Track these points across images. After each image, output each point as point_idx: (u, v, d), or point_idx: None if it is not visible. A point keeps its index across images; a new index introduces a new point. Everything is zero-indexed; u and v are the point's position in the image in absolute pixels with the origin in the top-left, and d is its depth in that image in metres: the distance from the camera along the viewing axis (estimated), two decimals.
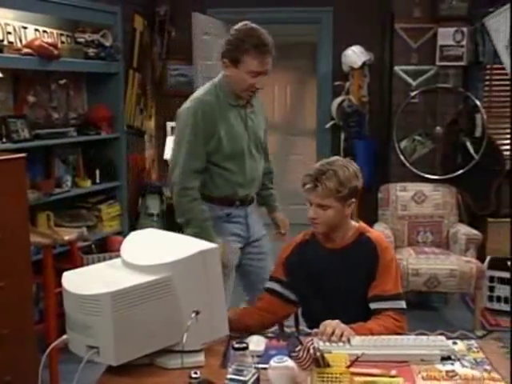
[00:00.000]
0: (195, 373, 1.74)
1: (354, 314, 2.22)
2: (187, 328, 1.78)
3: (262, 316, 2.40)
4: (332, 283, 2.30)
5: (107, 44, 4.49)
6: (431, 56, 4.72)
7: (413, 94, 4.75)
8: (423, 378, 1.84)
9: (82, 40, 4.39)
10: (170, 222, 4.65)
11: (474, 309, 4.29)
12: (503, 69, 4.75)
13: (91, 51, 4.38)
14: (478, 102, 4.73)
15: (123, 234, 4.55)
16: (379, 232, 2.59)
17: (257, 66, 2.59)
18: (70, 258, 3.81)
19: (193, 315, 1.79)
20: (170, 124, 5.51)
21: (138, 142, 5.20)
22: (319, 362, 1.74)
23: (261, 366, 1.84)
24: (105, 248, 4.48)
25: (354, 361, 1.83)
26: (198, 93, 2.78)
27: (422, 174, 4.78)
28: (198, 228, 2.66)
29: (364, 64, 4.89)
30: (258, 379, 1.77)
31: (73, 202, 4.41)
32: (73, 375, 1.79)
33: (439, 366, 1.91)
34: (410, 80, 4.79)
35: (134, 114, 5.08)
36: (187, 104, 2.73)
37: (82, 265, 3.73)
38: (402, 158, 4.80)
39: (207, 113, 2.67)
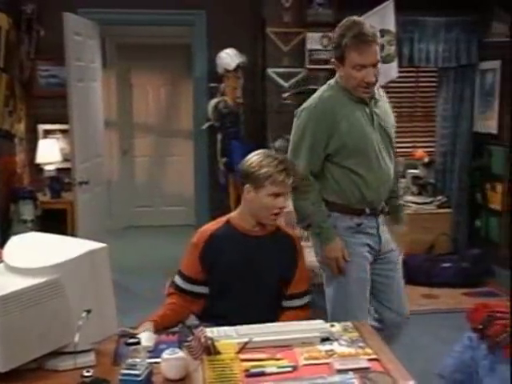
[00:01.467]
0: (87, 371, 1.75)
1: (268, 305, 2.41)
2: (79, 328, 1.77)
3: (177, 313, 2.41)
4: (249, 271, 2.39)
5: None
6: (301, 59, 4.96)
7: (285, 95, 4.97)
8: (305, 359, 1.97)
9: None
10: (45, 227, 4.50)
11: None
12: None
13: None
14: None
15: None
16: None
17: (359, 59, 2.43)
18: None
19: (84, 314, 1.79)
20: (41, 127, 5.33)
21: (7, 146, 4.97)
22: (210, 350, 1.81)
23: (153, 360, 1.89)
24: None
25: (243, 347, 1.93)
26: (317, 93, 2.63)
27: None
28: (318, 228, 2.61)
29: (238, 66, 5.02)
30: (150, 373, 1.81)
31: None
32: None
33: (319, 347, 2.06)
34: (282, 82, 5.00)
35: (2, 116, 4.85)
36: (306, 103, 2.60)
37: None
38: None
39: (327, 109, 2.53)
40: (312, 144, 2.55)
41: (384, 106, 2.64)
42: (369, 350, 2.04)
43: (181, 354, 1.86)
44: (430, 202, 5.40)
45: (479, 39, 5.33)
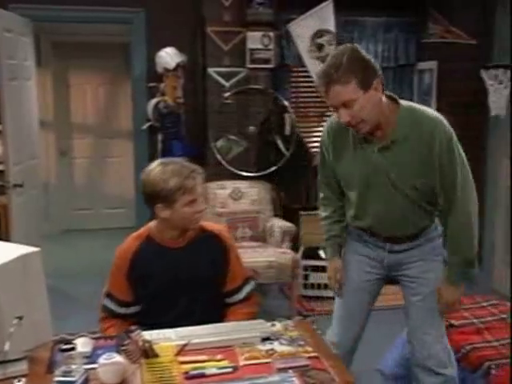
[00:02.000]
0: (18, 381, 1.67)
1: (210, 308, 2.34)
2: (9, 335, 1.69)
3: None
4: (180, 284, 2.30)
5: None
6: (242, 58, 4.94)
7: (226, 94, 4.93)
8: (246, 359, 1.95)
9: None
10: None
11: (291, 296, 4.56)
12: (306, 71, 5.11)
13: None
14: (285, 103, 5.04)
15: None
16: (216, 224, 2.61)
17: (326, 99, 2.18)
18: None
19: (15, 321, 1.71)
20: None
21: None
22: (148, 354, 1.76)
23: (90, 366, 1.82)
24: None
25: (181, 349, 1.89)
26: None
27: (239, 172, 4.97)
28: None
29: (178, 65, 4.95)
30: (86, 379, 1.74)
31: None
32: None
33: (260, 347, 2.04)
34: (223, 81, 4.97)
35: None
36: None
37: None
38: (218, 157, 4.95)
39: (336, 130, 2.38)
40: (321, 159, 2.51)
41: (404, 156, 2.23)
42: (309, 348, 2.05)
43: (118, 358, 1.80)
44: None
45: (417, 40, 5.44)
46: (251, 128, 4.98)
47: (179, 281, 2.30)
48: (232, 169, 4.96)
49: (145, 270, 2.31)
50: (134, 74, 5.30)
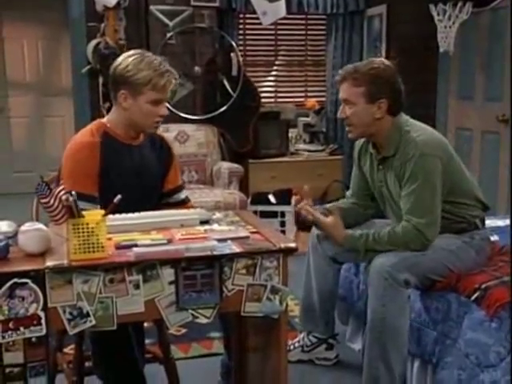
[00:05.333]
0: None
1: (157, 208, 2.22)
2: None
3: None
4: (138, 182, 2.20)
5: None
6: None
7: (169, 34, 4.71)
8: (182, 235, 1.79)
9: None
10: None
11: None
12: (257, 18, 4.91)
13: None
14: (232, 42, 4.84)
15: None
16: None
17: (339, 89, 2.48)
18: None
19: None
20: None
21: None
22: (73, 212, 1.54)
23: None
24: None
25: (111, 209, 1.67)
26: None
27: (184, 115, 4.76)
28: None
29: (119, 3, 4.68)
30: (7, 247, 1.55)
31: None
32: None
33: (198, 228, 1.88)
34: (166, 20, 4.74)
35: None
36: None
37: None
38: None
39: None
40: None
41: (391, 177, 2.40)
42: (249, 227, 1.91)
43: (41, 225, 1.60)
44: (322, 150, 5.35)
45: None
46: (196, 69, 4.77)
47: (136, 179, 2.20)
48: (177, 112, 4.74)
49: (113, 166, 2.15)
50: (72, 14, 5.00)
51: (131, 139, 2.23)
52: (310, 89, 5.66)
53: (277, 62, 5.53)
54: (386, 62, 2.44)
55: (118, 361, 2.01)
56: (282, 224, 4.68)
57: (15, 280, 1.52)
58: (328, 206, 2.64)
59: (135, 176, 2.20)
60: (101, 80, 4.81)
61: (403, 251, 2.26)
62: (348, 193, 2.71)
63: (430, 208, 2.27)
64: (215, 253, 1.64)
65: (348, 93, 2.35)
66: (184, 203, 2.36)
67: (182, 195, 2.37)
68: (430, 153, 2.27)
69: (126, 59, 2.15)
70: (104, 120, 2.25)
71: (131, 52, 2.19)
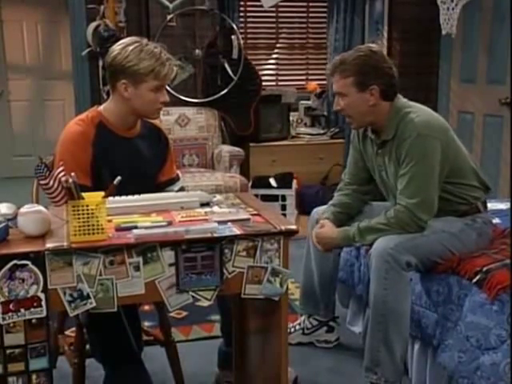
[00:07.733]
0: None
1: None
2: None
3: None
4: (133, 175, 2.13)
5: None
6: None
7: (169, 17, 4.67)
8: (182, 217, 1.77)
9: None
10: None
11: None
12: (258, 0, 4.86)
13: None
14: (233, 25, 4.80)
15: None
16: None
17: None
18: None
19: None
20: None
21: None
22: (73, 194, 1.54)
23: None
24: None
25: (110, 191, 1.66)
26: None
27: (185, 99, 4.73)
28: None
29: None
30: (6, 229, 1.54)
31: None
32: None
33: (198, 210, 1.87)
34: (166, 2, 4.69)
35: None
36: None
37: None
38: None
39: None
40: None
41: (390, 161, 2.39)
42: (250, 209, 1.90)
43: (41, 208, 1.59)
44: (324, 133, 5.32)
45: None
46: (197, 51, 4.73)
47: (133, 171, 2.14)
48: (178, 95, 4.71)
49: (106, 159, 2.12)
50: None
51: (127, 130, 2.19)
52: (311, 72, 5.62)
53: (278, 45, 5.48)
54: (374, 47, 2.45)
55: (114, 349, 1.99)
56: (283, 207, 4.68)
57: (15, 262, 1.52)
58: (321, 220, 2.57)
59: (128, 169, 2.13)
60: (101, 63, 4.78)
61: (400, 233, 2.25)
62: (345, 179, 2.67)
63: (422, 188, 2.25)
64: (215, 235, 1.64)
65: (338, 85, 2.37)
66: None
67: (175, 187, 2.34)
68: (429, 134, 2.25)
69: (125, 48, 2.08)
70: (101, 108, 2.20)
71: (128, 40, 2.13)
